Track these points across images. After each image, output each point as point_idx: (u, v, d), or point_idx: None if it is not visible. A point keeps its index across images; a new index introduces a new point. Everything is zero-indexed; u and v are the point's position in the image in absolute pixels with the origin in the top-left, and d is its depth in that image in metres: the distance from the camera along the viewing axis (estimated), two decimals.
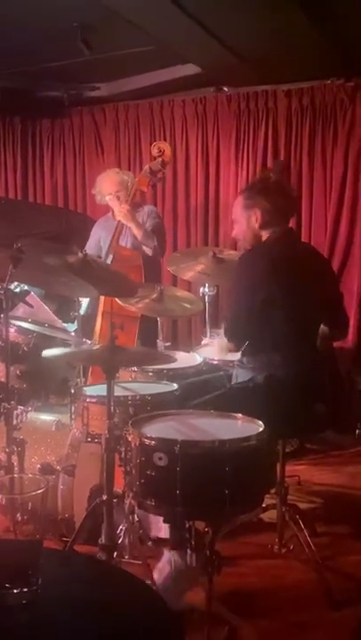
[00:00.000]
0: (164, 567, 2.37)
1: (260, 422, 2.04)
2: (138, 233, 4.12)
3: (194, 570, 2.30)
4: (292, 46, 4.01)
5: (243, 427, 2.09)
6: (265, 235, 2.71)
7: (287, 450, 3.15)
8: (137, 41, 4.04)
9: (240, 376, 2.69)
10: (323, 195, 4.80)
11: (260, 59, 4.30)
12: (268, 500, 2.59)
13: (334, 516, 3.23)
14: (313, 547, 2.64)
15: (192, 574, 2.33)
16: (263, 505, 2.51)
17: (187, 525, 2.14)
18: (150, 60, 4.52)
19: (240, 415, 2.15)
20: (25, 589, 1.09)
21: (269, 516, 2.93)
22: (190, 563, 2.05)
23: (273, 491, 2.70)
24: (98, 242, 4.44)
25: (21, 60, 4.57)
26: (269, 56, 4.23)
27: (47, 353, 2.47)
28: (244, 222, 2.74)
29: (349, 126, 4.65)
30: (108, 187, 4.31)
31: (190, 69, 4.62)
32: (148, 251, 4.20)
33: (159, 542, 2.57)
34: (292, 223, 4.83)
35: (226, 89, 5.04)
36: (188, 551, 2.06)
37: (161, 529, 2.59)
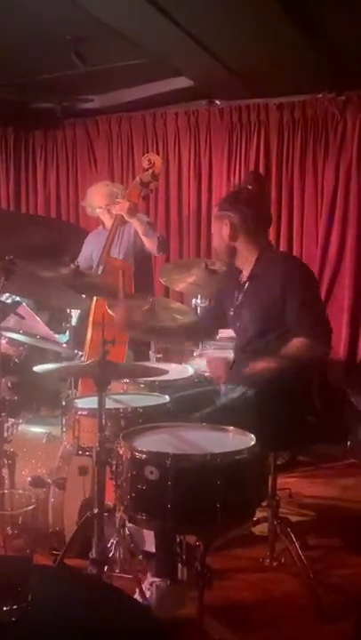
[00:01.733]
0: (146, 590, 2.37)
1: (252, 435, 2.04)
2: (140, 227, 4.14)
3: (176, 595, 2.30)
4: (284, 60, 4.04)
5: (234, 440, 2.09)
6: (238, 246, 2.72)
7: (278, 462, 3.14)
8: (130, 54, 4.06)
9: (230, 389, 2.69)
10: (314, 208, 4.83)
11: (252, 72, 4.34)
12: (259, 514, 2.57)
13: (326, 528, 3.22)
14: (304, 560, 2.63)
15: (174, 600, 2.33)
16: (254, 518, 2.50)
17: (178, 539, 2.13)
18: (143, 72, 4.54)
19: (232, 428, 2.15)
20: (14, 606, 1.08)
21: (260, 529, 2.92)
22: (181, 577, 2.04)
23: (264, 504, 2.69)
24: (90, 255, 4.45)
25: (14, 71, 4.58)
26: (261, 70, 4.27)
27: (39, 368, 2.47)
28: (217, 234, 2.78)
29: (340, 140, 4.68)
30: (97, 200, 4.35)
31: (183, 82, 4.65)
32: (152, 243, 4.19)
33: (149, 556, 2.56)
34: (283, 236, 4.89)
35: (218, 102, 5.07)
36: (179, 565, 2.05)
37: (152, 543, 2.58)
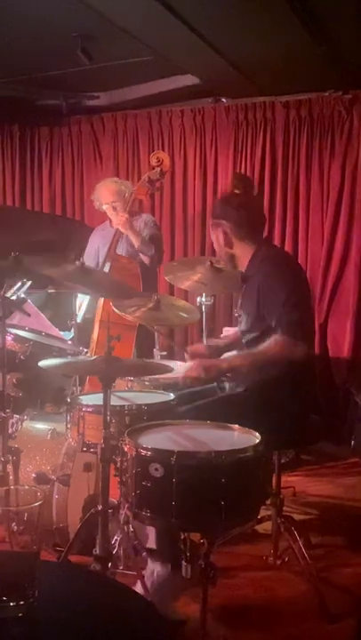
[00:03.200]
0: (147, 579, 2.37)
1: (257, 434, 2.04)
2: (136, 241, 4.13)
3: (176, 580, 2.31)
4: (291, 58, 4.03)
5: (239, 438, 2.09)
6: (235, 251, 2.73)
7: (282, 461, 3.14)
8: (136, 51, 4.07)
9: (233, 384, 2.70)
10: (320, 206, 4.82)
11: (258, 70, 4.33)
12: (262, 512, 2.58)
13: (329, 527, 3.23)
14: (308, 558, 2.63)
15: (175, 585, 2.34)
16: (258, 516, 2.50)
17: (182, 537, 2.13)
18: (149, 70, 4.54)
19: (236, 426, 2.15)
20: (22, 602, 1.09)
21: (264, 527, 2.93)
22: (185, 574, 2.04)
23: (268, 502, 2.70)
24: (95, 250, 4.46)
25: (21, 68, 4.59)
26: (268, 68, 4.26)
27: (44, 363, 2.47)
28: (215, 241, 2.81)
29: (347, 138, 4.67)
30: (105, 196, 4.33)
31: (189, 80, 4.65)
32: (146, 259, 4.21)
33: (151, 553, 2.56)
34: (288, 235, 4.88)
35: (224, 100, 5.07)
36: (183, 562, 2.05)
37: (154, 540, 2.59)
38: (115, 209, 4.24)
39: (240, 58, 4.09)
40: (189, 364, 2.76)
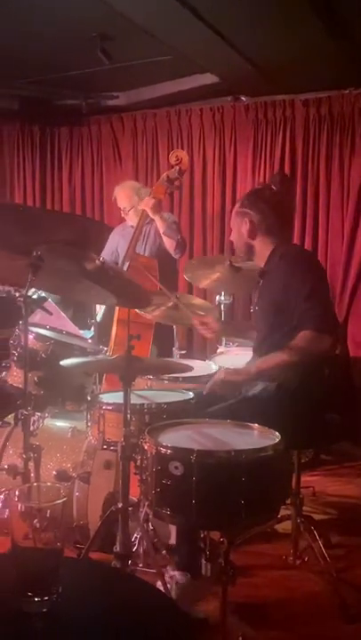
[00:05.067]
0: (167, 583, 2.38)
1: (277, 433, 2.04)
2: (161, 225, 4.15)
3: (196, 587, 2.31)
4: (310, 56, 4.01)
5: (259, 437, 2.09)
6: (256, 244, 2.71)
7: (302, 460, 3.14)
8: (155, 50, 4.07)
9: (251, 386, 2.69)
10: (340, 204, 4.79)
11: (277, 69, 4.31)
12: (282, 511, 2.57)
13: (349, 527, 3.21)
14: (328, 558, 2.63)
15: (195, 591, 2.34)
16: (278, 516, 2.50)
17: (202, 535, 2.14)
18: (168, 69, 4.54)
19: (256, 425, 2.15)
20: (46, 598, 1.11)
21: (284, 526, 2.92)
22: (205, 572, 2.04)
23: (288, 501, 2.69)
24: (115, 249, 4.48)
25: (41, 69, 4.62)
26: (287, 66, 4.24)
27: (66, 362, 2.49)
28: (235, 230, 2.78)
29: None
30: (120, 200, 4.39)
31: (208, 79, 4.65)
32: (171, 243, 4.20)
33: (173, 550, 2.57)
34: (308, 233, 4.85)
35: (244, 98, 5.05)
36: (203, 561, 2.05)
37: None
38: (134, 211, 4.28)
39: (259, 56, 4.08)
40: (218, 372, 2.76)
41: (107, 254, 4.42)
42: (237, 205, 2.80)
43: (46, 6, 3.51)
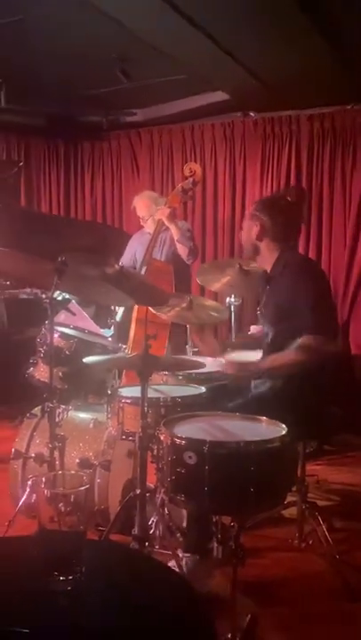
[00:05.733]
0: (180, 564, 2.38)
1: (283, 425, 2.03)
2: (176, 233, 4.14)
3: (205, 567, 2.30)
4: (315, 73, 4.00)
5: (267, 429, 2.08)
6: (262, 246, 2.70)
7: (307, 450, 3.12)
8: (170, 70, 4.08)
9: (258, 383, 2.68)
10: (342, 213, 4.77)
11: (284, 86, 4.31)
12: (288, 498, 2.57)
13: (350, 512, 3.20)
14: (331, 541, 2.61)
15: (204, 571, 2.34)
16: (285, 502, 2.49)
17: (214, 520, 2.14)
18: (183, 87, 4.55)
19: (264, 418, 2.14)
20: (70, 577, 1.11)
21: (290, 512, 2.91)
22: (216, 554, 2.04)
23: (294, 489, 2.68)
24: (133, 254, 4.48)
25: (65, 88, 4.64)
26: (293, 83, 4.23)
27: (89, 360, 2.50)
28: (246, 230, 2.76)
29: None
30: (139, 209, 4.39)
31: (219, 96, 4.65)
32: (185, 250, 4.20)
33: (183, 537, 2.57)
34: (312, 241, 4.83)
35: (252, 114, 5.04)
36: (215, 544, 2.05)
37: None
38: (152, 219, 4.28)
39: (267, 75, 4.07)
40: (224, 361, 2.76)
41: (126, 259, 4.42)
42: (252, 208, 2.78)
43: (70, 31, 3.54)
